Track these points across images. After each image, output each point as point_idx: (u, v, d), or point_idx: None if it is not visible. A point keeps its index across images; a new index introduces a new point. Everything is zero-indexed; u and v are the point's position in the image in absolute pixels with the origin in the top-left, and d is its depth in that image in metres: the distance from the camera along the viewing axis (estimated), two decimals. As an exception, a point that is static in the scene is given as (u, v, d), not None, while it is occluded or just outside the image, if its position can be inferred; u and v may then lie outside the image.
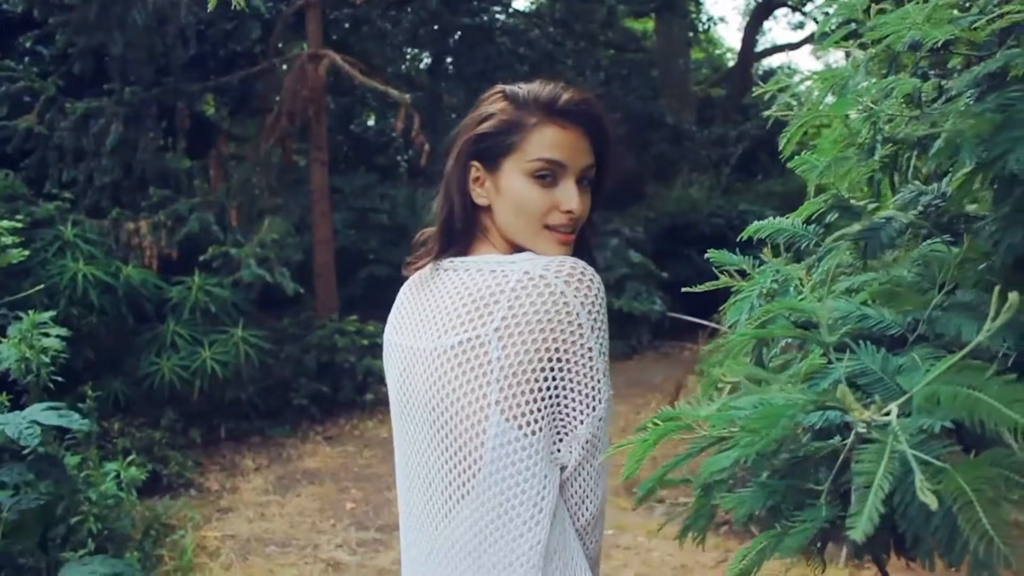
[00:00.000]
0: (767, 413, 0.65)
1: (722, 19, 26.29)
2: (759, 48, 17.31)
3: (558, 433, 1.13)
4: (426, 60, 11.54)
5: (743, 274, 1.15)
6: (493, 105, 1.19)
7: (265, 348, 5.82)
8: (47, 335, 3.61)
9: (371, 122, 11.49)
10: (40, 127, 5.94)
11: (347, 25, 9.81)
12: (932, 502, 0.57)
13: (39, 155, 5.99)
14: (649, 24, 16.01)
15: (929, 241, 1.02)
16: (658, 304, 9.22)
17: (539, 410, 1.10)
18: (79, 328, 4.86)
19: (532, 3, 12.76)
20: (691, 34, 16.36)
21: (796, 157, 1.12)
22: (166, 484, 5.04)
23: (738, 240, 1.18)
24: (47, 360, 3.39)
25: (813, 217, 1.13)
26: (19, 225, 3.93)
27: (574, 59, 10.20)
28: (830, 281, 0.94)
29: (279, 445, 6.00)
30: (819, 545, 0.89)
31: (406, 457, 1.27)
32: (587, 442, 1.12)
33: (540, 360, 1.08)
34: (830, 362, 0.86)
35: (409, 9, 8.32)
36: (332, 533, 4.46)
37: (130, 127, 6.07)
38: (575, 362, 1.09)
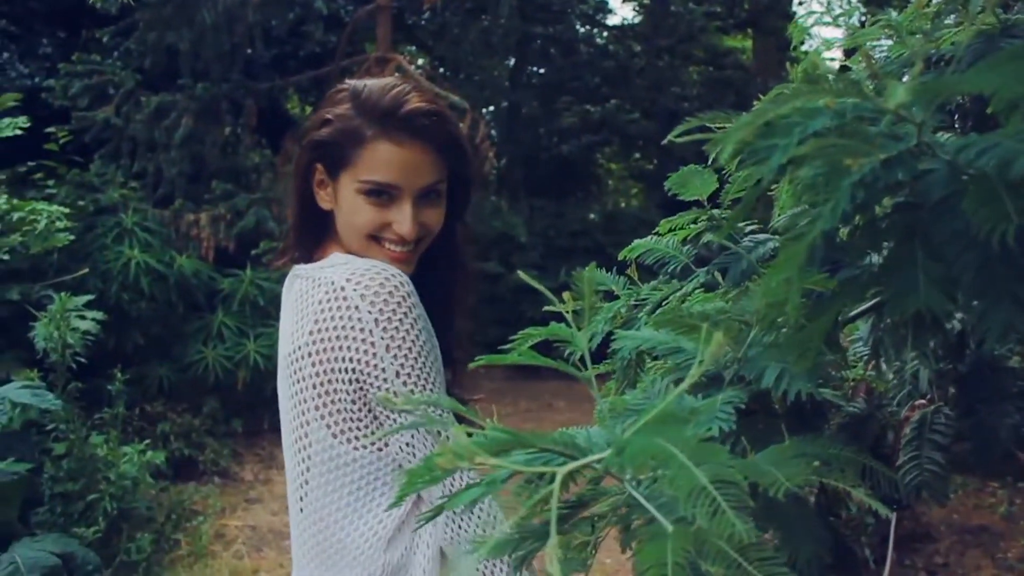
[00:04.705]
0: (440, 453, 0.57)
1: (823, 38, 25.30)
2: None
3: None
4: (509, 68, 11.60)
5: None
6: (335, 107, 1.13)
7: (310, 344, 5.89)
8: (84, 317, 3.74)
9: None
10: (116, 119, 6.20)
11: (430, 29, 9.96)
12: (556, 572, 0.48)
13: (114, 145, 6.26)
14: (749, 42, 15.73)
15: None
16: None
17: (360, 427, 1.06)
18: (128, 313, 5.03)
19: (626, 19, 12.69)
20: (789, 52, 15.94)
21: (671, 175, 1.02)
22: (201, 470, 5.16)
23: (618, 260, 1.09)
24: (72, 342, 3.50)
25: (690, 237, 1.03)
26: (66, 211, 4.10)
27: (653, 73, 10.04)
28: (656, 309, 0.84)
29: (320, 441, 6.05)
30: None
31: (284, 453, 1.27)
32: (396, 457, 1.08)
33: (346, 380, 1.05)
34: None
35: (484, 17, 8.35)
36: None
37: (200, 121, 6.27)
38: (370, 383, 1.04)
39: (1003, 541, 4.55)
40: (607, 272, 1.04)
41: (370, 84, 1.12)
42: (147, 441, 4.37)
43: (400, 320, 1.03)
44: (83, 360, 3.64)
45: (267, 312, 5.77)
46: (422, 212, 1.11)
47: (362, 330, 1.03)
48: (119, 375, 4.09)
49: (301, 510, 1.12)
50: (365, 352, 1.03)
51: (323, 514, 1.10)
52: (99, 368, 4.32)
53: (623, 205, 12.56)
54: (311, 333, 1.06)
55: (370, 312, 1.03)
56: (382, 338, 1.02)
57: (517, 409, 7.26)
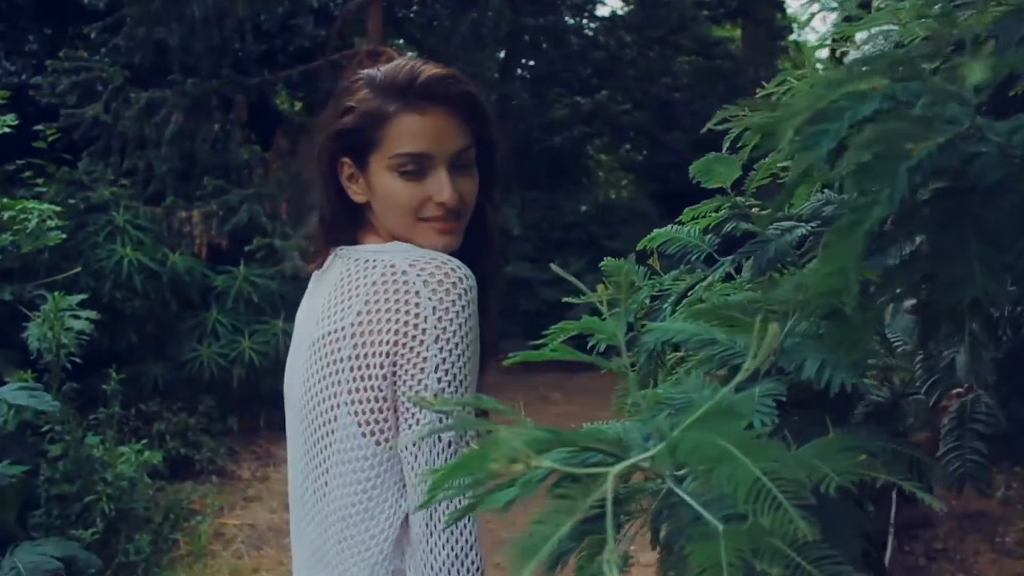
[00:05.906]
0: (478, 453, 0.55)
1: (806, 23, 25.24)
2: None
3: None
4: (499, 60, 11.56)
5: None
6: (354, 95, 1.11)
7: (305, 340, 5.86)
8: (77, 317, 3.70)
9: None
10: (105, 116, 6.13)
11: (420, 23, 9.91)
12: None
13: (104, 143, 6.19)
14: (737, 31, 15.72)
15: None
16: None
17: (382, 419, 1.03)
18: (122, 311, 4.99)
19: (616, 9, 12.65)
20: (779, 42, 15.92)
21: (694, 163, 1.00)
22: (198, 469, 5.12)
23: (636, 250, 1.07)
24: (66, 341, 3.46)
25: (712, 226, 1.02)
26: (57, 209, 4.05)
27: (644, 63, 10.02)
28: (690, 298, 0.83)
29: (316, 437, 6.02)
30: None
31: (289, 446, 1.22)
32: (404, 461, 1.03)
33: (381, 364, 1.01)
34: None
35: (473, 10, 8.31)
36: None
37: (190, 117, 6.21)
38: (406, 371, 1.00)
39: (1001, 526, 4.56)
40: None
41: (383, 67, 1.11)
42: (143, 441, 4.34)
43: (456, 314, 1.00)
44: (77, 360, 3.59)
45: (261, 309, 5.73)
46: (457, 181, 1.09)
47: (416, 315, 0.99)
48: (114, 374, 4.04)
49: (325, 495, 1.09)
50: (413, 338, 0.99)
51: (339, 504, 1.07)
52: (93, 368, 4.27)
53: (614, 196, 12.55)
54: (359, 313, 1.03)
55: (430, 300, 1.00)
56: (435, 327, 0.99)
57: (513, 403, 7.23)
